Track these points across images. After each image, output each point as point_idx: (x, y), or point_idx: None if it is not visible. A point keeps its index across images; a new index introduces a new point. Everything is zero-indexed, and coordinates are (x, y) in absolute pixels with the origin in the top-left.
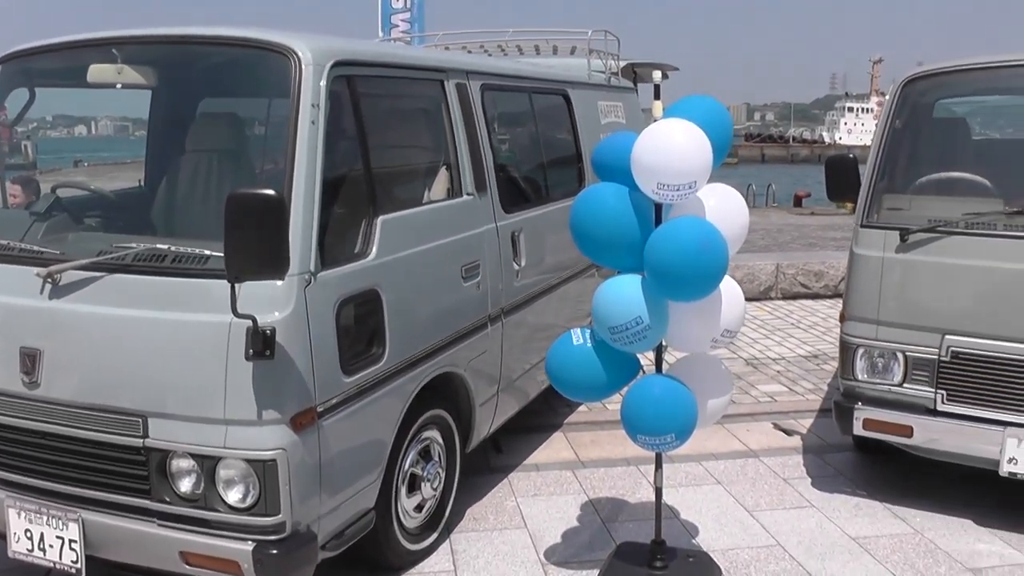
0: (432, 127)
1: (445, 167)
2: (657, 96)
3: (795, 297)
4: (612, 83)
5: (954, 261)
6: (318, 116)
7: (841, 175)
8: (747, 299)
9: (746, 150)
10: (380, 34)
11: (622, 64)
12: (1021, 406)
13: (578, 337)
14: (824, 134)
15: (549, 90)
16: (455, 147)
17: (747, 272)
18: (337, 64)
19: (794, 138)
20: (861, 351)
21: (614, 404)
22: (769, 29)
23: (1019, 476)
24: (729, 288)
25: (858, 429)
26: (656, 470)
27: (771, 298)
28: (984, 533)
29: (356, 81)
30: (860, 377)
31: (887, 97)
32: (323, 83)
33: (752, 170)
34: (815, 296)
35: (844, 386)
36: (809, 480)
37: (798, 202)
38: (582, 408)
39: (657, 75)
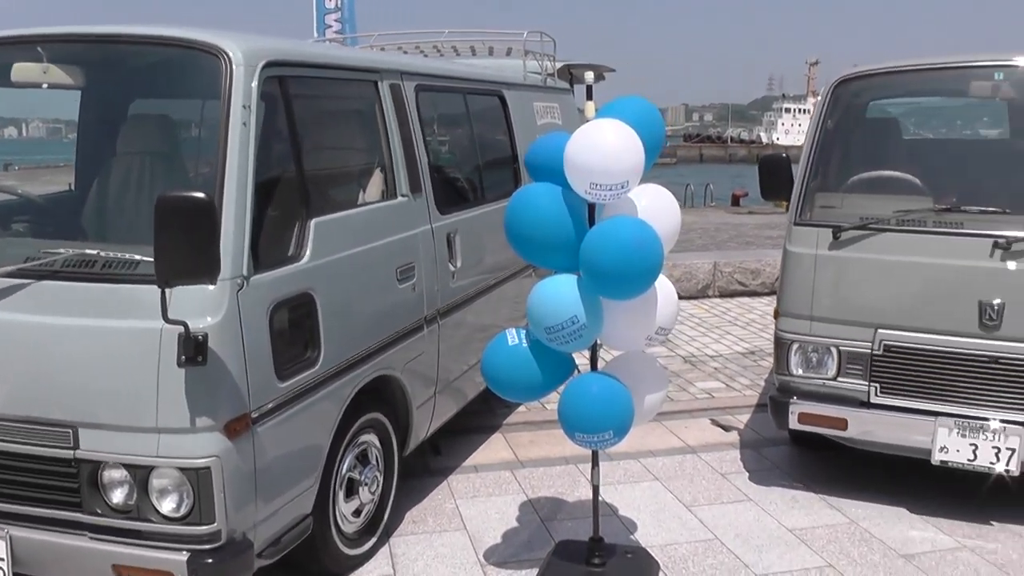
0: (366, 128)
1: (379, 168)
2: (589, 96)
3: (732, 295)
4: (548, 84)
5: (886, 257)
6: (249, 117)
7: (774, 174)
8: (685, 298)
9: (685, 150)
10: (315, 34)
11: (558, 65)
12: (951, 397)
13: (513, 337)
14: (762, 134)
15: (484, 91)
16: (389, 148)
17: (685, 271)
18: (269, 64)
19: (732, 138)
20: (795, 346)
21: (552, 404)
22: (707, 31)
23: (950, 464)
24: (663, 286)
25: (793, 423)
26: (593, 468)
27: (709, 296)
28: (917, 520)
29: (288, 82)
30: (795, 372)
31: (819, 98)
32: (254, 84)
33: (691, 170)
34: (752, 294)
35: (779, 381)
36: (747, 474)
37: (736, 201)
38: (521, 408)
39: (589, 76)
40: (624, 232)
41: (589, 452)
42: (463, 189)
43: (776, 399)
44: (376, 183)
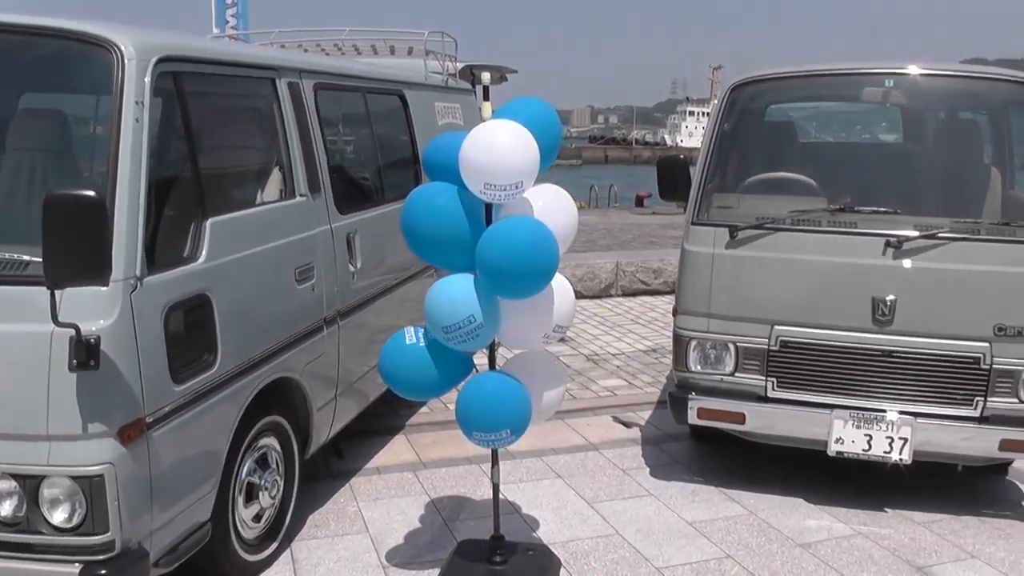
0: (264, 127)
1: (278, 168)
2: (486, 97)
3: (635, 294)
4: (449, 85)
5: (781, 256)
6: (142, 114)
7: (672, 175)
8: (588, 297)
9: (590, 152)
10: (214, 30)
11: (460, 66)
12: (847, 390)
13: (411, 336)
14: (666, 136)
15: (385, 90)
16: (287, 147)
17: (588, 270)
18: (163, 60)
19: (637, 140)
20: (694, 343)
21: (455, 403)
22: (613, 34)
23: (846, 455)
24: (559, 285)
25: (693, 418)
26: (493, 466)
27: (612, 295)
28: (814, 510)
29: (183, 78)
30: (693, 368)
31: (715, 101)
32: (147, 79)
33: (596, 171)
34: (654, 292)
35: (678, 378)
36: (648, 470)
37: (640, 202)
38: (424, 409)
39: (486, 76)
40: (519, 232)
41: (488, 452)
42: (363, 189)
43: (675, 395)
44: (274, 183)
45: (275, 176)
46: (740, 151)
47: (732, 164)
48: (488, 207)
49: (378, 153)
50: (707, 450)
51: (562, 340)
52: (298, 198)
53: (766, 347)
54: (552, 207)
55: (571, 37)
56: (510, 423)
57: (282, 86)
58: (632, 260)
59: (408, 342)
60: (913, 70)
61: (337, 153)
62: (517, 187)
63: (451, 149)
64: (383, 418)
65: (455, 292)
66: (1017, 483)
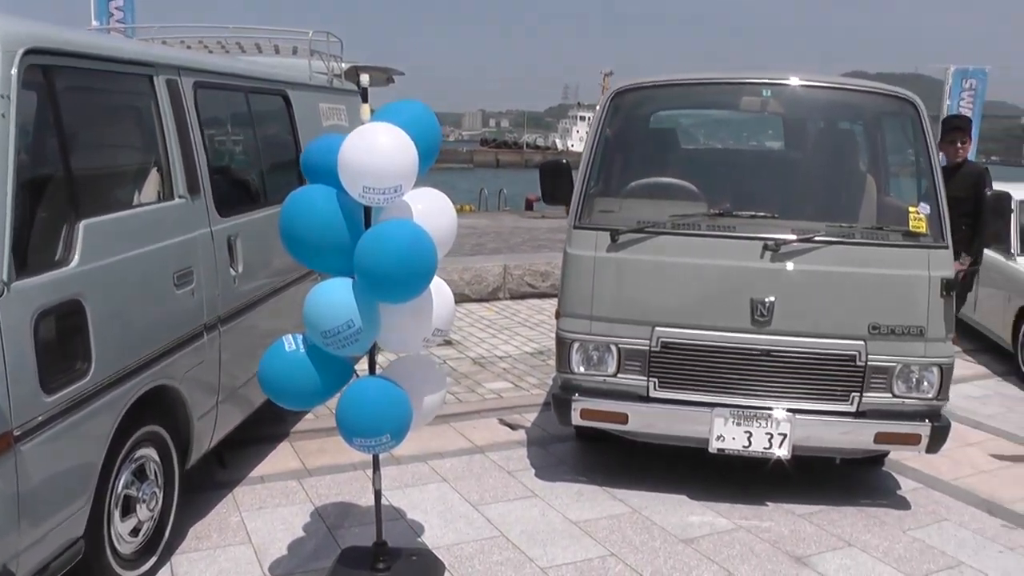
0: (141, 125)
1: (155, 168)
2: (365, 99)
3: (523, 297)
4: (335, 86)
5: (662, 259)
6: (8, 108)
7: (555, 179)
8: (476, 300)
9: (482, 155)
10: (94, 23)
11: (346, 67)
12: (727, 388)
13: (290, 343)
14: (557, 141)
15: (268, 90)
16: (165, 147)
17: (475, 274)
18: (31, 52)
19: (528, 144)
20: (576, 345)
21: None
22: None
23: (727, 451)
24: (439, 288)
25: (576, 419)
26: (374, 472)
27: (499, 298)
28: (697, 506)
29: (54, 72)
30: (576, 370)
31: (597, 107)
32: (13, 71)
33: (487, 175)
34: (542, 295)
35: (561, 379)
36: (533, 471)
37: (529, 206)
38: (309, 415)
39: (364, 78)
40: (397, 235)
41: (380, 458)
42: (245, 191)
43: (558, 396)
44: (152, 184)
45: (153, 177)
46: (622, 157)
47: (614, 169)
48: (367, 210)
49: (260, 154)
50: (593, 450)
51: (448, 343)
52: (176, 200)
53: (647, 348)
54: (431, 210)
55: (463, 40)
56: (390, 428)
57: (160, 83)
58: (520, 263)
59: (288, 349)
60: (790, 81)
61: (218, 154)
62: (396, 190)
63: (330, 151)
64: (268, 425)
65: (334, 297)
66: (893, 473)
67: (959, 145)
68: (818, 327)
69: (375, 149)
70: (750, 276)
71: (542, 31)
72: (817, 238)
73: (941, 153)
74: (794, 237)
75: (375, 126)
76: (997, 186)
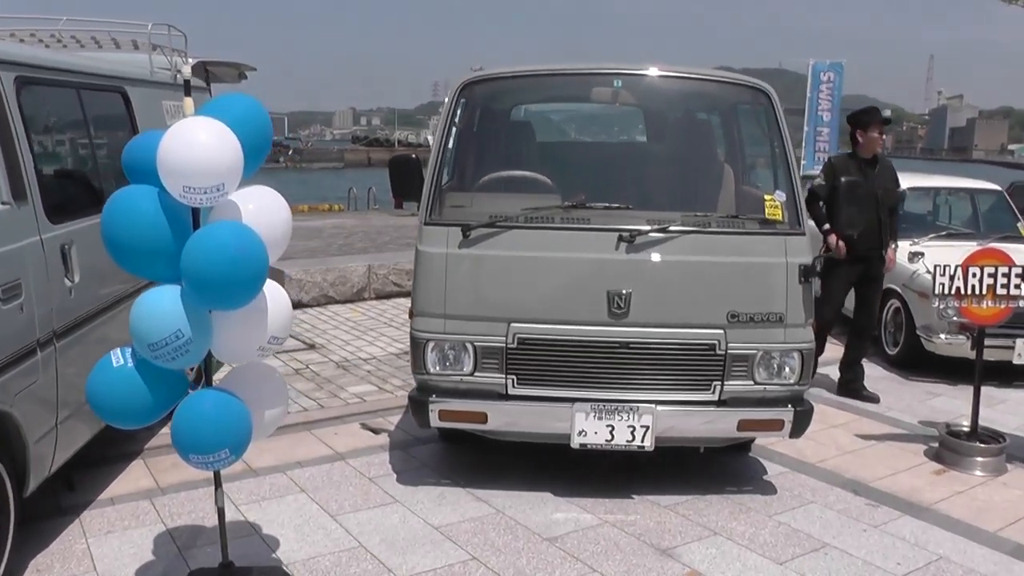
0: None
1: None
2: (188, 92)
3: (388, 296)
4: (179, 82)
5: (516, 254)
6: None
7: (404, 175)
8: (340, 302)
9: (352, 154)
10: None
11: (193, 62)
12: (587, 383)
13: (118, 358)
14: (429, 137)
15: (104, 87)
16: None
17: (340, 275)
18: None
19: (400, 142)
20: (431, 345)
21: None
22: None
23: (589, 446)
24: (274, 293)
25: (435, 421)
26: (216, 489)
27: (364, 299)
28: (562, 503)
29: None
30: (431, 370)
31: (446, 99)
32: None
33: (359, 174)
34: (407, 294)
35: (418, 380)
36: (395, 476)
37: (399, 204)
38: (163, 430)
39: (186, 70)
40: (221, 238)
41: (231, 471)
42: (80, 195)
43: (415, 398)
44: None
45: None
46: (473, 150)
47: (465, 163)
48: (195, 212)
49: (96, 155)
50: (456, 451)
51: (311, 347)
52: (0, 206)
53: (504, 345)
54: (264, 210)
55: (332, 38)
56: (229, 443)
57: None
58: (384, 263)
59: (115, 365)
60: (643, 71)
61: (48, 156)
62: (218, 189)
63: (150, 149)
64: (120, 443)
65: (159, 306)
66: (759, 459)
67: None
68: (676, 317)
69: (194, 146)
70: (606, 268)
71: (411, 26)
72: (672, 228)
73: (861, 147)
74: (649, 227)
75: (194, 121)
76: None
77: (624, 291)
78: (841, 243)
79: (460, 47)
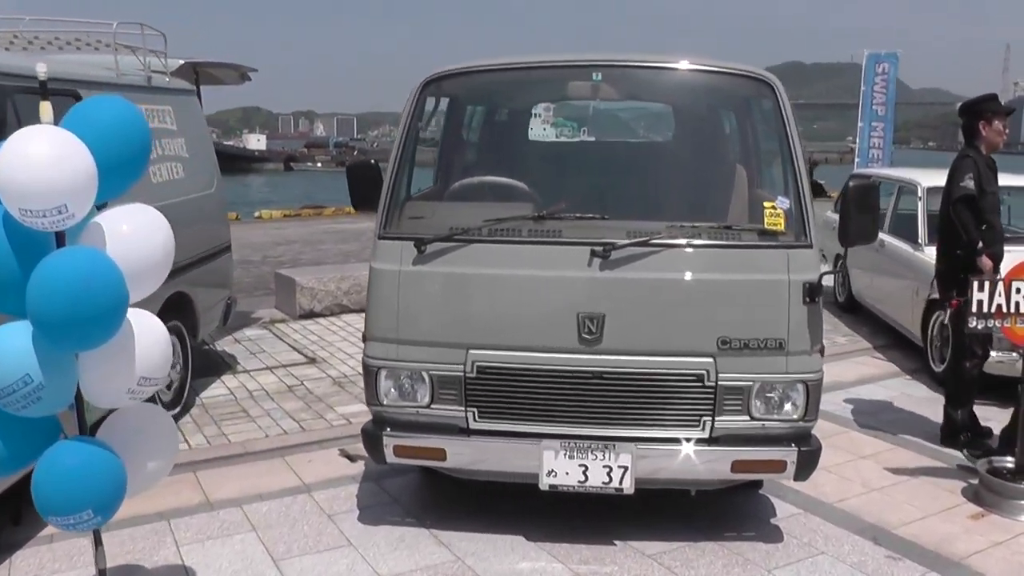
0: None
1: None
2: (44, 95)
3: None
4: (154, 84)
5: (474, 271)
6: None
7: (364, 182)
8: (355, 311)
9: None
10: None
11: (179, 63)
12: (555, 417)
13: None
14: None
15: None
16: None
17: (354, 283)
18: None
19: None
20: (384, 373)
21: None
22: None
23: (560, 488)
24: (147, 327)
25: (391, 457)
26: (96, 547)
27: None
28: (532, 549)
29: None
30: (385, 401)
31: (407, 99)
32: None
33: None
34: None
35: (372, 412)
36: (357, 513)
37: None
38: None
39: (41, 68)
40: (64, 268)
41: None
42: None
43: (368, 431)
44: None
45: None
46: (437, 154)
47: (428, 169)
48: (60, 236)
49: None
50: (431, 484)
51: (312, 361)
52: None
53: (462, 374)
54: (139, 233)
55: (401, 38)
56: (92, 502)
57: None
58: None
59: None
60: (628, 62)
61: None
62: (61, 211)
63: None
64: None
65: (4, 346)
66: (770, 496)
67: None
68: (657, 344)
69: (27, 161)
70: (576, 287)
71: (486, 27)
72: (653, 241)
73: (984, 143)
74: (625, 241)
75: (32, 131)
76: (935, 175)
77: (597, 314)
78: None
79: (530, 45)
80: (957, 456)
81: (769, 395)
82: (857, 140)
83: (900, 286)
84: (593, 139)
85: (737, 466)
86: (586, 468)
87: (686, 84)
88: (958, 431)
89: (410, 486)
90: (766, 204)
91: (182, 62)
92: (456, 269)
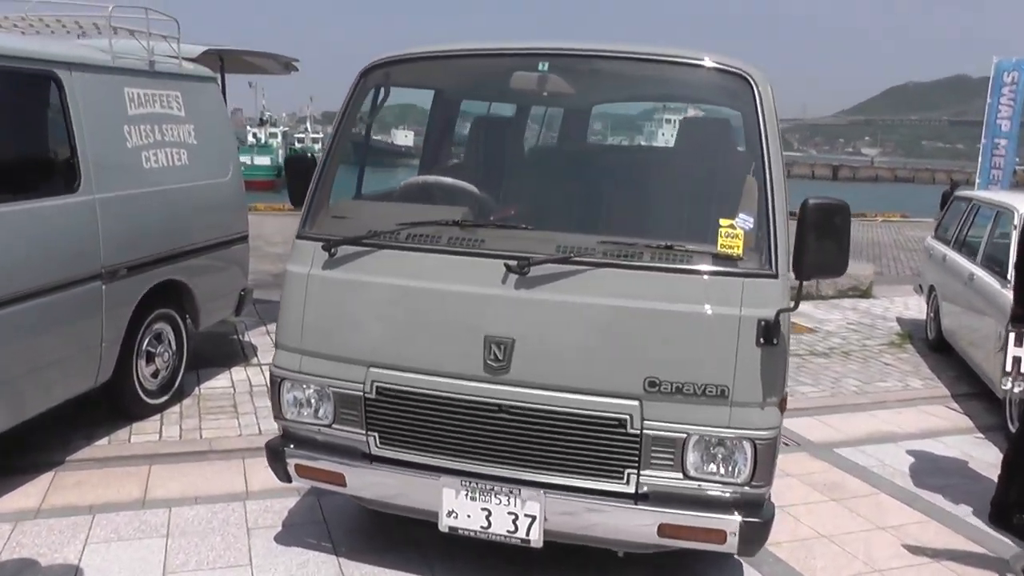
0: None
1: None
2: None
3: None
4: (157, 69)
5: (381, 280)
6: None
7: (302, 178)
8: None
9: None
10: None
11: (199, 50)
12: (458, 451)
13: None
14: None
15: (19, 70)
16: None
17: None
18: None
19: None
20: (287, 385)
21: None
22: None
23: (461, 531)
24: None
25: (295, 476)
26: None
27: None
28: None
29: None
30: (288, 415)
31: (348, 89)
32: None
33: None
34: None
35: (279, 425)
36: (278, 530)
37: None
38: (102, 440)
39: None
40: None
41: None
42: None
43: (271, 447)
44: None
45: None
46: (371, 148)
47: (360, 164)
48: None
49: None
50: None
51: None
52: None
53: (362, 394)
54: None
55: (477, 32)
56: None
57: None
58: None
59: None
60: (583, 51)
61: None
62: None
63: None
64: (36, 452)
65: None
66: (745, 563)
67: None
68: (572, 379)
69: None
70: (487, 307)
71: (560, 19)
72: (575, 258)
73: None
74: (543, 256)
75: None
76: None
77: (505, 338)
78: None
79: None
80: (1003, 543)
81: (707, 450)
82: (980, 159)
83: (984, 326)
84: (535, 139)
85: (665, 530)
86: (489, 513)
87: (649, 77)
88: (1012, 509)
89: (348, 508)
90: (723, 222)
91: (203, 48)
92: (361, 277)
